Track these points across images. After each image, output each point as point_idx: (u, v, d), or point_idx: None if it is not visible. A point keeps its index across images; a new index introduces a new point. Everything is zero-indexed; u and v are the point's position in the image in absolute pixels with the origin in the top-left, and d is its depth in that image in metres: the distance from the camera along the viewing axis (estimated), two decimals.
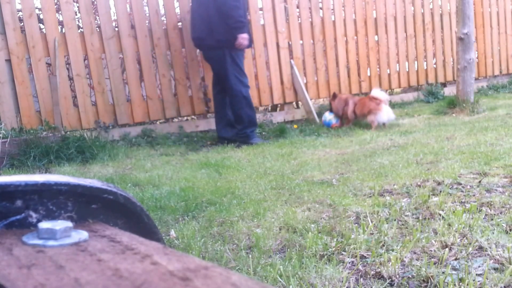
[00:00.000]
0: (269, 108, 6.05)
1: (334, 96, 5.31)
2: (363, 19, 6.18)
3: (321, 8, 5.92)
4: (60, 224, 0.48)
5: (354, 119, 5.23)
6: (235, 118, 4.72)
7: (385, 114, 4.97)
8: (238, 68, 4.59)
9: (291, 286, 1.51)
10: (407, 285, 1.49)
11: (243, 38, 4.44)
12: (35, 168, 3.83)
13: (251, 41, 4.68)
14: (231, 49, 4.50)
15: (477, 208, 2.11)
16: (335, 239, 1.87)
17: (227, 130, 4.76)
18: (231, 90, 4.62)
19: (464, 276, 1.47)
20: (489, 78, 7.30)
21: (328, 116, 5.31)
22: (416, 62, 6.64)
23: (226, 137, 4.71)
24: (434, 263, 1.59)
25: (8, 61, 4.55)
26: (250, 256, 1.76)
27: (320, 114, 5.64)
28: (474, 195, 2.33)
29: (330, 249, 1.78)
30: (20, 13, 4.69)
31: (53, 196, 0.53)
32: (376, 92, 5.23)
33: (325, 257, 1.72)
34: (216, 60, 4.60)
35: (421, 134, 4.31)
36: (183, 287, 0.35)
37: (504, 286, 1.43)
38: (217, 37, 4.45)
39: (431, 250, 1.71)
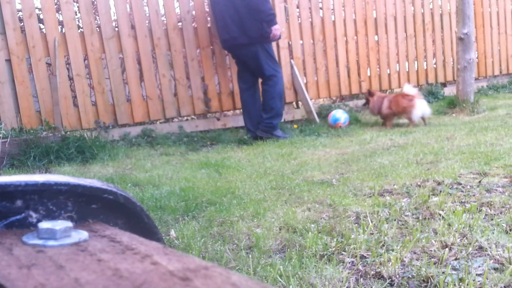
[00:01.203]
0: None
1: (371, 93, 5.24)
2: (363, 19, 6.18)
3: (321, 8, 5.92)
4: (60, 224, 0.48)
5: (392, 117, 5.12)
6: (263, 107, 4.85)
7: (419, 109, 4.88)
8: (273, 59, 4.82)
9: (291, 286, 1.51)
10: (407, 285, 1.49)
11: (276, 29, 4.61)
12: (35, 168, 3.83)
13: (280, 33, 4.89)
14: (263, 43, 4.68)
15: (477, 208, 2.11)
16: (335, 239, 1.87)
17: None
18: (268, 80, 4.80)
19: (464, 276, 1.47)
20: (489, 78, 7.30)
21: (339, 114, 5.26)
22: (416, 62, 6.64)
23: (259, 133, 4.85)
24: (434, 263, 1.59)
25: (8, 61, 4.55)
26: (250, 256, 1.76)
27: (320, 114, 5.64)
28: (474, 195, 2.33)
29: (330, 249, 1.78)
30: (20, 13, 4.69)
31: (53, 196, 0.53)
32: (407, 88, 5.10)
33: (325, 257, 1.72)
34: (251, 56, 4.75)
35: (421, 134, 4.31)
36: (183, 287, 0.35)
37: (504, 286, 1.43)
38: (250, 34, 4.62)
39: (431, 250, 1.71)
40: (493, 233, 1.80)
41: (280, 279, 1.55)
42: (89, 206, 0.55)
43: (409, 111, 4.90)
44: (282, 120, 5.66)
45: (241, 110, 5.07)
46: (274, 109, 4.80)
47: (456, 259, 1.63)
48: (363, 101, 6.05)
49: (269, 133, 4.75)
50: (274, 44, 5.56)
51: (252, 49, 4.69)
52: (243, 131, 5.17)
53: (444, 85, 6.85)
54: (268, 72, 4.76)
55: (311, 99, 5.72)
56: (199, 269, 0.39)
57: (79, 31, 4.84)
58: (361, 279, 1.55)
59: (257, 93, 4.90)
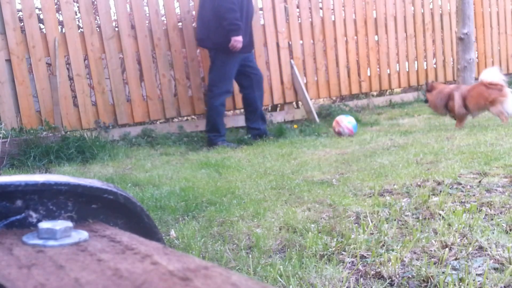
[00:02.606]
0: (269, 108, 6.05)
1: (432, 87, 4.46)
2: (363, 19, 6.17)
3: (321, 8, 5.92)
4: (60, 224, 0.48)
5: (466, 115, 4.35)
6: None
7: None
8: (223, 75, 4.64)
9: (291, 286, 1.51)
10: (407, 285, 1.49)
11: (236, 40, 4.46)
12: (35, 168, 3.83)
13: (250, 45, 4.72)
14: (224, 53, 4.57)
15: (477, 208, 2.11)
16: (335, 239, 1.87)
17: (258, 122, 4.86)
18: (208, 90, 4.77)
19: (464, 276, 1.47)
20: None
21: (353, 120, 4.68)
22: (416, 62, 6.64)
23: (257, 128, 4.83)
24: (434, 263, 1.59)
25: (8, 61, 4.55)
26: (250, 256, 1.76)
27: (320, 114, 5.64)
28: (474, 195, 2.33)
29: (330, 249, 1.78)
30: (20, 13, 4.68)
31: (53, 196, 0.53)
32: (491, 76, 4.18)
33: (325, 257, 1.72)
34: (211, 60, 4.73)
35: (421, 134, 4.31)
36: (183, 287, 0.35)
37: (504, 286, 1.43)
38: (213, 39, 4.55)
39: (431, 250, 1.71)
40: (493, 233, 1.80)
41: (280, 279, 1.55)
42: (89, 206, 0.55)
43: (500, 102, 4.05)
44: (282, 120, 5.67)
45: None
46: (210, 122, 4.71)
47: (456, 259, 1.63)
48: (362, 101, 6.05)
49: (209, 145, 4.63)
50: (274, 44, 5.57)
51: (212, 53, 4.68)
52: (243, 131, 5.17)
53: None
54: (210, 83, 4.73)
55: (311, 99, 5.72)
56: (199, 269, 0.39)
57: (79, 31, 4.84)
58: (361, 279, 1.55)
59: (255, 93, 4.86)
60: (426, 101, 4.63)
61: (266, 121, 5.07)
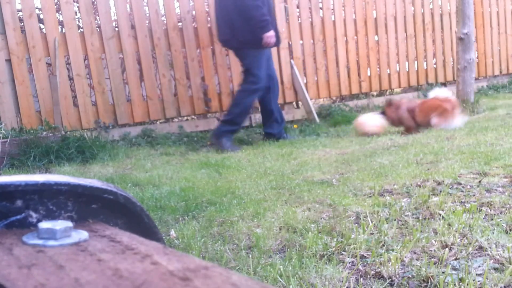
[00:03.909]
0: None
1: (390, 103, 4.60)
2: (363, 19, 6.18)
3: (321, 8, 5.92)
4: (60, 224, 0.48)
5: (416, 127, 4.52)
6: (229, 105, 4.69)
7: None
8: (261, 68, 4.52)
9: (291, 286, 1.51)
10: (407, 285, 1.49)
11: (268, 36, 4.38)
12: (35, 168, 3.83)
13: (278, 38, 4.60)
14: (254, 49, 4.47)
15: (477, 208, 2.11)
16: (335, 239, 1.87)
17: (273, 126, 4.74)
18: (245, 83, 4.60)
19: (464, 276, 1.47)
20: (489, 78, 7.30)
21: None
22: (416, 62, 6.64)
23: (273, 133, 4.72)
24: (434, 263, 1.59)
25: (8, 61, 4.56)
26: (250, 256, 1.76)
27: (320, 114, 5.64)
28: (474, 195, 2.33)
29: (330, 249, 1.78)
30: (20, 13, 4.69)
31: (53, 196, 0.53)
32: (443, 93, 4.54)
33: (325, 257, 1.72)
34: (241, 59, 4.63)
35: (421, 134, 4.31)
36: (183, 287, 0.35)
37: (504, 286, 1.43)
38: (240, 39, 4.44)
39: (431, 250, 1.71)
40: (493, 233, 1.80)
41: (280, 279, 1.55)
42: (89, 206, 0.55)
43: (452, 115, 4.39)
44: None
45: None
46: (231, 114, 4.57)
47: (456, 259, 1.63)
48: (362, 101, 6.04)
49: (214, 137, 4.51)
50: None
51: (239, 53, 4.59)
52: (243, 131, 5.17)
53: (444, 85, 6.84)
54: (246, 80, 4.57)
55: (311, 99, 5.72)
56: (199, 269, 0.39)
57: (79, 31, 4.84)
58: (361, 279, 1.55)
59: (270, 95, 4.70)
60: (382, 112, 4.72)
61: (284, 121, 4.87)
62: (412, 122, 4.51)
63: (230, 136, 4.52)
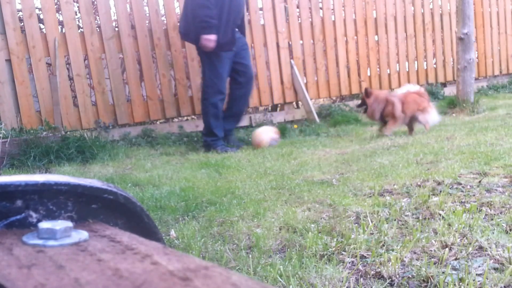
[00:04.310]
0: (269, 108, 6.05)
1: (369, 92, 4.43)
2: (363, 19, 6.18)
3: (321, 8, 5.92)
4: (60, 224, 0.48)
5: (403, 120, 4.46)
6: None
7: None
8: (213, 73, 4.33)
9: (291, 286, 1.51)
10: (407, 285, 1.49)
11: (205, 39, 4.14)
12: (35, 168, 3.83)
13: (232, 43, 4.31)
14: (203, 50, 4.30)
15: (477, 208, 2.11)
16: (335, 239, 1.87)
17: (229, 122, 4.58)
18: (202, 93, 4.50)
19: (464, 276, 1.47)
20: (489, 78, 7.30)
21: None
22: (416, 62, 6.64)
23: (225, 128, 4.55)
24: (434, 263, 1.59)
25: (8, 61, 4.55)
26: (250, 256, 1.76)
27: (320, 114, 5.64)
28: (474, 195, 2.33)
29: (330, 249, 1.78)
30: (20, 13, 4.69)
31: (53, 196, 0.53)
32: (412, 88, 4.53)
33: (325, 257, 1.72)
34: (200, 57, 4.53)
35: (421, 134, 4.31)
36: (183, 287, 0.35)
37: (504, 286, 1.43)
38: (191, 36, 4.30)
39: (431, 250, 1.71)
40: (493, 233, 1.80)
41: (280, 279, 1.55)
42: (89, 206, 0.55)
43: (428, 111, 4.41)
44: (282, 120, 5.67)
45: None
46: (205, 125, 4.45)
47: (456, 259, 1.63)
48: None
49: (205, 148, 4.40)
50: (274, 44, 5.57)
51: (197, 49, 4.43)
52: (243, 131, 5.17)
53: (444, 85, 6.85)
54: (203, 83, 4.44)
55: (311, 99, 5.72)
56: (199, 269, 0.39)
57: (79, 31, 4.84)
58: (361, 279, 1.55)
59: (236, 92, 4.54)
60: (359, 105, 4.57)
61: (232, 132, 4.67)
62: (402, 116, 4.38)
63: (219, 142, 4.41)
